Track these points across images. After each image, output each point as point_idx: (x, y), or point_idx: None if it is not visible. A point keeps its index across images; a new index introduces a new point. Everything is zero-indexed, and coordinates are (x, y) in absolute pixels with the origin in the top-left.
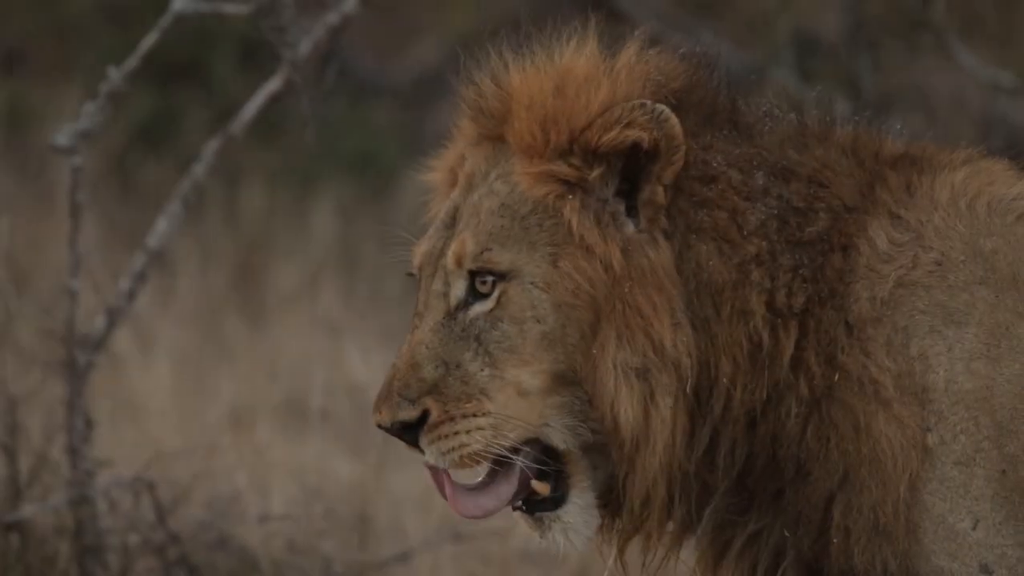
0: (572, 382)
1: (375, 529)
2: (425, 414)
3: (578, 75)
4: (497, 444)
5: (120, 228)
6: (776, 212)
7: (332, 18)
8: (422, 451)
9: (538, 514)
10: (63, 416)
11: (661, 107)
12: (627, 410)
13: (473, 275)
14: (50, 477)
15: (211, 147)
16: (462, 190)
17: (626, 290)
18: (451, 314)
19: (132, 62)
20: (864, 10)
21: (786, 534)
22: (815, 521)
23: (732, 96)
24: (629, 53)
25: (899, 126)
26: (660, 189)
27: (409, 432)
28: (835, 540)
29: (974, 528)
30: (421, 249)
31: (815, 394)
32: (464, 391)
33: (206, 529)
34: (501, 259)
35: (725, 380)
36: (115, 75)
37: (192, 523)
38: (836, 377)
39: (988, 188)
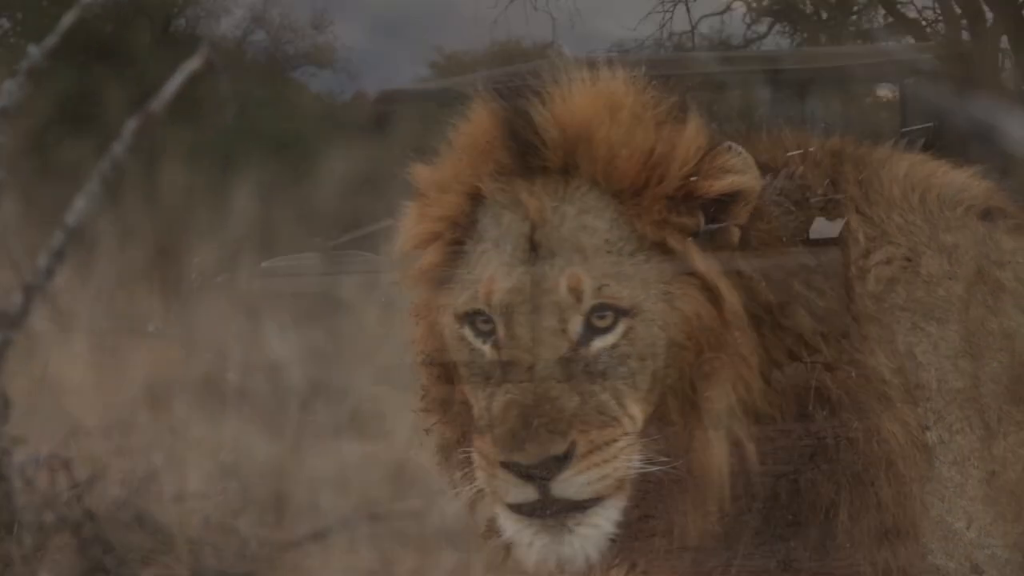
0: (650, 422)
1: (291, 508)
2: (572, 446)
3: (620, 100)
4: (638, 462)
5: (38, 206)
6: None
7: None
8: (547, 488)
9: (563, 515)
10: None
11: (741, 148)
12: (719, 454)
13: (589, 312)
14: None
15: (130, 126)
16: (532, 223)
17: (736, 335)
18: (574, 348)
19: (52, 39)
20: None
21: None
22: (816, 526)
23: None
24: (618, 72)
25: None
26: (735, 230)
27: (552, 467)
28: (841, 542)
29: (968, 528)
30: (501, 286)
31: (831, 396)
32: (601, 420)
33: (122, 507)
34: (621, 295)
35: None
36: (35, 52)
37: (108, 501)
38: (853, 374)
39: (932, 180)
